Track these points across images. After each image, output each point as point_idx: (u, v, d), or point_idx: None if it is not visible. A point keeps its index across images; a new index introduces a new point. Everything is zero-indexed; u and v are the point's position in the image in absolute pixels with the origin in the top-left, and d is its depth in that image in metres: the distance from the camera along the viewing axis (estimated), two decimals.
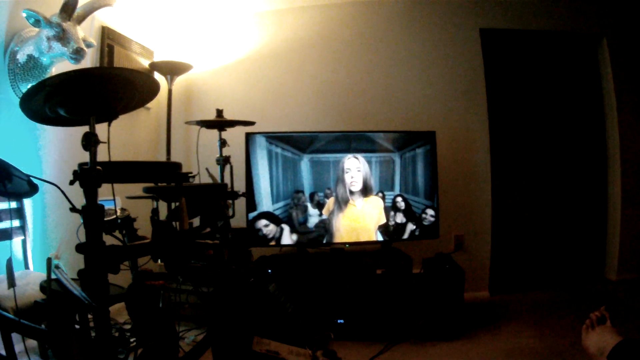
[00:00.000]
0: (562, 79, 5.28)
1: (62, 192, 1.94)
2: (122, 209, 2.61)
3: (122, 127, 4.49)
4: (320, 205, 4.20)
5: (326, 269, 3.97)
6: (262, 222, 4.14)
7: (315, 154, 4.21)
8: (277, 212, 4.16)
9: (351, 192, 4.22)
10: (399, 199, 4.31)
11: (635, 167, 5.10)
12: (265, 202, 4.15)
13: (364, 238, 4.25)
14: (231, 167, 3.82)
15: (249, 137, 4.14)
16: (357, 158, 4.23)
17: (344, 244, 4.21)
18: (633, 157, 5.10)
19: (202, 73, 5.11)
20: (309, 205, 4.20)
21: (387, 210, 4.27)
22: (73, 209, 1.91)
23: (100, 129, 1.99)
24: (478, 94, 4.94)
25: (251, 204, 4.12)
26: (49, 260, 2.29)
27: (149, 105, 3.63)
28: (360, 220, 4.23)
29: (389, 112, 4.96)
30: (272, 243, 4.17)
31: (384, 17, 5.01)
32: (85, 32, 3.28)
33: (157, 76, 4.78)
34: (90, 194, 1.89)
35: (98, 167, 1.90)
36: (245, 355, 2.90)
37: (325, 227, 4.21)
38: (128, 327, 3.60)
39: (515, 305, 4.56)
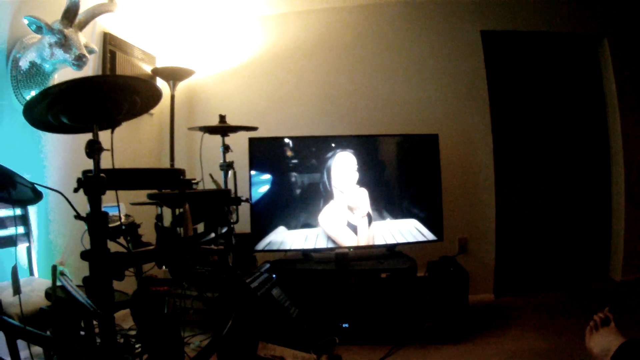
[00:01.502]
0: (564, 80, 5.27)
1: (67, 199, 1.94)
2: (127, 215, 2.61)
3: (126, 134, 4.50)
4: (322, 209, 4.20)
5: (330, 273, 3.96)
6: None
7: (319, 158, 4.21)
8: (281, 218, 4.17)
9: (354, 195, 4.22)
10: (403, 202, 4.31)
11: (638, 167, 5.10)
12: (270, 208, 4.16)
13: (368, 242, 4.25)
14: (234, 173, 3.83)
15: (252, 142, 4.15)
16: (358, 159, 4.23)
17: (348, 247, 4.21)
18: (636, 157, 5.09)
19: (204, 78, 5.13)
20: (311, 208, 4.20)
21: (391, 213, 4.28)
22: (77, 217, 1.92)
23: (104, 135, 2.00)
24: (480, 96, 4.93)
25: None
26: (54, 267, 2.30)
27: (151, 111, 3.64)
28: (364, 223, 4.23)
29: (391, 115, 4.96)
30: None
31: (386, 20, 5.02)
32: (87, 38, 3.29)
33: (160, 82, 4.79)
34: (95, 201, 1.89)
35: (102, 175, 1.90)
36: None
37: (327, 232, 4.20)
38: (133, 333, 3.60)
39: (519, 308, 4.56)
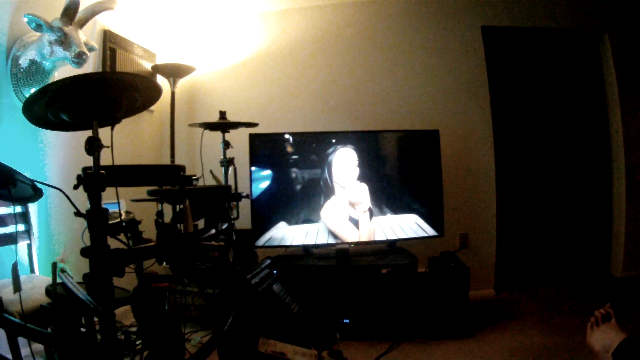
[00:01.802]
0: (565, 75, 5.28)
1: (67, 196, 1.94)
2: (127, 212, 2.61)
3: (126, 131, 4.50)
4: (323, 205, 4.20)
5: (331, 269, 3.97)
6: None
7: (319, 154, 4.20)
8: (282, 213, 4.17)
9: (356, 190, 4.22)
10: (404, 198, 4.31)
11: (639, 162, 5.09)
12: (271, 204, 4.16)
13: (369, 237, 4.25)
14: (235, 169, 3.82)
15: (252, 138, 4.15)
16: (359, 155, 4.23)
17: (349, 243, 4.21)
18: (637, 152, 5.09)
19: (204, 75, 5.12)
20: (312, 204, 4.20)
21: (392, 209, 4.27)
22: (77, 214, 1.92)
23: (104, 132, 2.00)
24: (481, 91, 4.93)
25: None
26: (54, 264, 2.30)
27: (152, 108, 3.64)
28: (365, 218, 4.23)
29: (392, 111, 4.96)
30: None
31: (387, 16, 5.01)
32: (87, 35, 3.29)
33: (160, 79, 4.80)
34: (95, 198, 1.89)
35: (102, 172, 1.90)
36: (251, 356, 2.90)
37: (329, 227, 4.20)
38: (134, 329, 3.60)
39: (520, 303, 4.56)
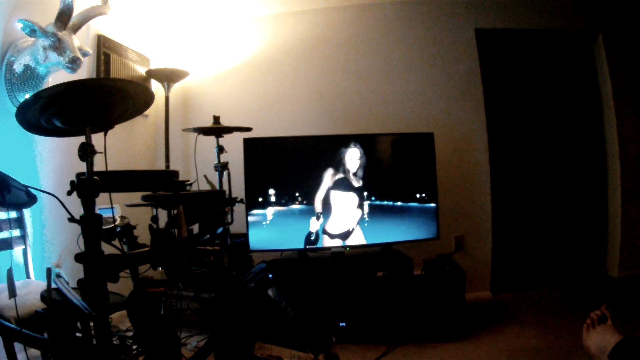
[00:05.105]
0: (559, 77, 5.28)
1: (61, 202, 1.94)
2: (122, 217, 2.61)
3: (120, 135, 4.49)
4: (318, 209, 4.20)
5: (327, 272, 3.97)
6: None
7: (313, 157, 4.20)
8: (276, 218, 4.17)
9: (351, 193, 4.22)
10: (399, 201, 4.31)
11: (634, 162, 5.11)
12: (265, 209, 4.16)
13: (364, 241, 4.25)
14: (229, 174, 3.82)
15: (247, 142, 4.14)
16: (354, 159, 4.22)
17: (344, 247, 4.21)
18: (632, 152, 5.10)
19: (199, 80, 5.12)
20: (307, 210, 4.19)
21: (387, 212, 4.27)
22: (71, 219, 1.92)
23: (98, 137, 2.00)
24: (475, 94, 4.94)
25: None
26: (49, 270, 2.29)
27: (146, 112, 3.63)
28: (360, 222, 4.23)
29: (386, 114, 4.96)
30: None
31: (380, 20, 5.02)
32: (81, 41, 3.29)
33: (154, 83, 4.80)
34: (88, 204, 1.89)
35: (95, 177, 1.90)
36: None
37: (324, 230, 4.20)
38: (130, 334, 3.60)
39: (516, 305, 4.56)
